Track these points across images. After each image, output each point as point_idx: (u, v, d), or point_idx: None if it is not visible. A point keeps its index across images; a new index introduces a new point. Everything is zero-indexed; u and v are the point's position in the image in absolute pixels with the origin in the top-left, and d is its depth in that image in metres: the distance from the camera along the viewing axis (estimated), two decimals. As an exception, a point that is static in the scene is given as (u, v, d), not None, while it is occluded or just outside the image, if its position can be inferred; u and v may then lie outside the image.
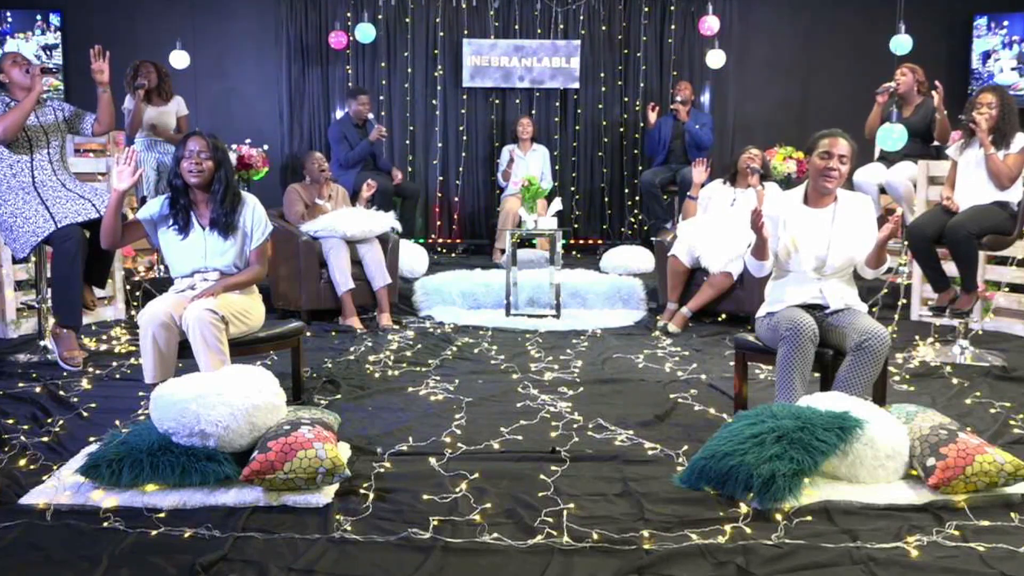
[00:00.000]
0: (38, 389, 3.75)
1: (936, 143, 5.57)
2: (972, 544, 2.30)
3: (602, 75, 7.84)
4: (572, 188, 7.91)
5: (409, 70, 7.80)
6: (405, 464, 2.89)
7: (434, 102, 7.83)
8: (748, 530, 2.38)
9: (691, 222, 5.42)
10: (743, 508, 2.50)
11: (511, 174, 7.06)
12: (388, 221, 5.50)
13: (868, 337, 3.00)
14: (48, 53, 7.55)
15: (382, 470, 2.81)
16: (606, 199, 7.97)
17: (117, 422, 3.28)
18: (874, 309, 4.92)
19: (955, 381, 3.99)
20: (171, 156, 5.68)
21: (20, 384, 3.85)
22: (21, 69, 4.17)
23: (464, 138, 7.87)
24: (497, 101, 7.88)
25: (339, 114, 7.55)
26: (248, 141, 6.67)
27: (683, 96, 6.73)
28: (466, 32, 7.77)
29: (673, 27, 7.81)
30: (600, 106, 7.88)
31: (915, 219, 4.54)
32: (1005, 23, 7.66)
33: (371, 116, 6.77)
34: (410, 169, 7.84)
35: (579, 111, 7.88)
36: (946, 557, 2.23)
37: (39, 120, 4.20)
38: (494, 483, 2.71)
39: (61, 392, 3.73)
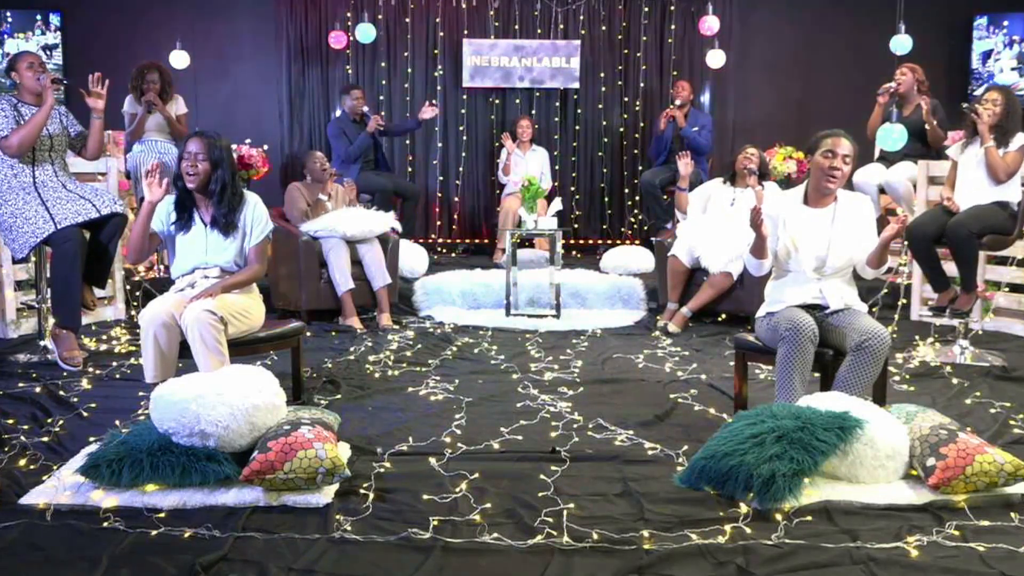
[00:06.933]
0: (38, 389, 3.76)
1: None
2: (972, 544, 2.30)
3: (602, 75, 7.83)
4: (572, 188, 7.91)
5: (409, 70, 7.80)
6: (405, 464, 2.89)
7: (434, 102, 7.82)
8: (748, 530, 2.38)
9: (691, 222, 5.42)
10: (743, 508, 2.50)
11: (511, 167, 7.08)
12: (388, 221, 5.50)
13: (868, 337, 2.99)
14: (48, 53, 7.55)
15: (382, 470, 2.81)
16: (606, 199, 7.97)
17: (117, 422, 3.28)
18: (874, 309, 4.92)
19: (955, 381, 3.99)
20: (171, 156, 5.73)
21: (20, 384, 3.85)
22: (34, 74, 4.18)
23: (464, 138, 7.87)
24: (497, 101, 7.88)
25: (338, 113, 7.55)
26: (248, 141, 6.66)
27: (682, 99, 6.72)
28: (466, 32, 7.77)
29: (673, 27, 7.81)
30: (600, 106, 7.87)
31: (915, 218, 4.55)
32: (1005, 23, 7.66)
33: (366, 109, 6.78)
34: (410, 169, 7.84)
35: (579, 111, 7.87)
36: (946, 557, 2.23)
37: (47, 129, 4.20)
38: (494, 483, 2.71)
39: (61, 392, 3.73)
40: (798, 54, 7.94)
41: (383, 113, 7.65)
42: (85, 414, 3.45)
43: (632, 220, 7.92)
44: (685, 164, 5.59)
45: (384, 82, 7.80)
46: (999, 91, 4.37)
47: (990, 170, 4.24)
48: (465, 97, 7.85)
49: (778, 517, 2.45)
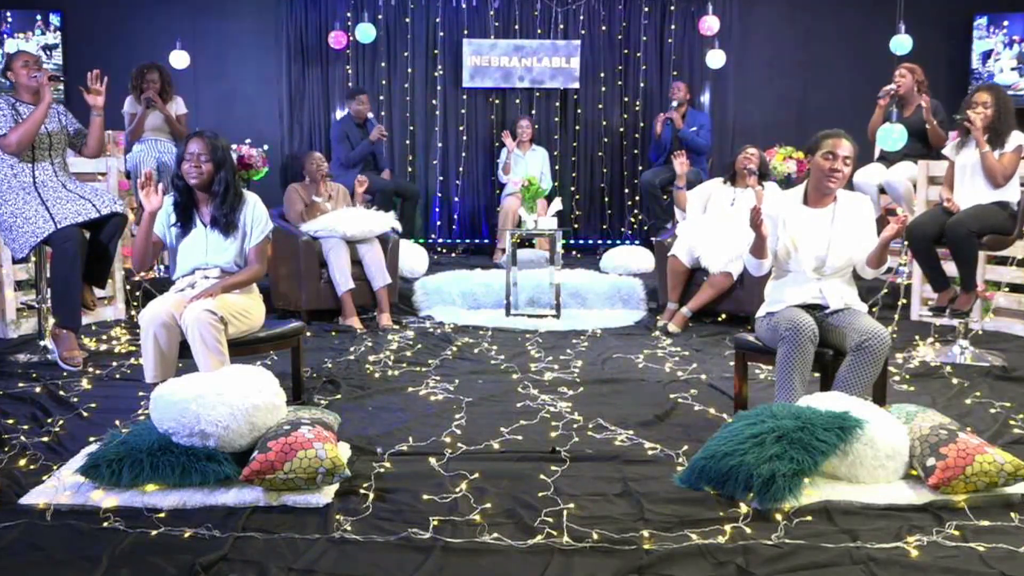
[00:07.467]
0: (38, 389, 3.76)
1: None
2: (972, 544, 2.30)
3: (602, 75, 7.84)
4: (572, 188, 7.91)
5: (409, 70, 7.80)
6: (405, 464, 2.89)
7: (434, 102, 7.83)
8: (748, 530, 2.38)
9: (691, 222, 5.42)
10: (743, 508, 2.50)
11: (511, 166, 7.09)
12: (388, 221, 5.50)
13: (868, 337, 2.99)
14: (48, 53, 7.55)
15: (382, 470, 2.81)
16: (606, 199, 7.97)
17: (117, 422, 3.27)
18: (874, 309, 4.92)
19: (955, 381, 3.99)
20: (170, 155, 5.73)
21: (20, 384, 3.85)
22: (30, 72, 4.18)
23: (464, 138, 7.87)
24: (497, 101, 7.88)
25: (340, 114, 7.55)
26: (248, 141, 6.66)
27: (678, 98, 6.73)
28: (466, 32, 7.77)
29: (673, 27, 7.82)
30: (600, 106, 7.88)
31: (916, 218, 4.54)
32: (1005, 23, 7.66)
33: (371, 115, 6.78)
34: (410, 169, 7.84)
35: (579, 111, 7.88)
36: (946, 557, 2.23)
37: (46, 127, 4.20)
38: (494, 483, 2.71)
39: (61, 392, 3.73)
40: (798, 54, 7.94)
41: (384, 114, 7.66)
42: (85, 414, 3.44)
43: (632, 220, 7.92)
44: (680, 164, 5.60)
45: (384, 82, 7.80)
46: (989, 91, 4.31)
47: (988, 174, 4.23)
48: (465, 97, 7.85)
49: (778, 517, 2.45)
